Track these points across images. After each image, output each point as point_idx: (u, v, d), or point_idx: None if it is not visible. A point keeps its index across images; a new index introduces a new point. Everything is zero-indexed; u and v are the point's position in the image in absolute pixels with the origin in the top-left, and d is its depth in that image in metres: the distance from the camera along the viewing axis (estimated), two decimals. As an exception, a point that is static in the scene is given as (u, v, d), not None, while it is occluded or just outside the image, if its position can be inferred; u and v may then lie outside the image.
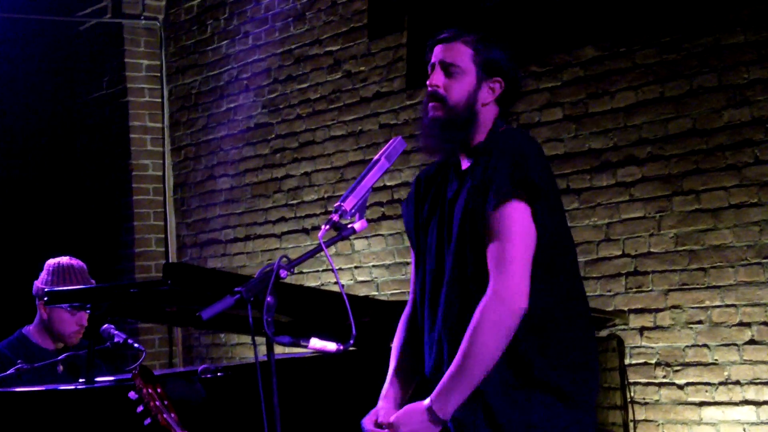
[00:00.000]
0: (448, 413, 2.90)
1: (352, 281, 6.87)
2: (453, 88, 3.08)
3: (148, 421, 3.08)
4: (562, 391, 2.95)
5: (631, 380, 5.39)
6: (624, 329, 5.42)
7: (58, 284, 4.82)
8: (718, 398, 5.15)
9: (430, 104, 3.10)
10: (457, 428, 2.99)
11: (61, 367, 4.74)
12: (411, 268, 3.33)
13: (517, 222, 2.91)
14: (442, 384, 2.91)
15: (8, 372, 4.37)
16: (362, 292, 6.77)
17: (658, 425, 5.36)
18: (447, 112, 3.07)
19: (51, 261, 4.95)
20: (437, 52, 3.13)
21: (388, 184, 6.62)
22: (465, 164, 3.12)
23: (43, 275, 4.91)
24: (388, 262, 6.70)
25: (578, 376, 2.99)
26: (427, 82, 3.12)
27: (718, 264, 5.15)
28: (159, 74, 8.33)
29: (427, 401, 2.93)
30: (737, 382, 5.09)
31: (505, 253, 2.89)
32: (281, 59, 7.43)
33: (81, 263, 4.98)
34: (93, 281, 5.01)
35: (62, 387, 4.12)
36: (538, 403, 2.93)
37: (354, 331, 2.79)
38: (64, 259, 4.94)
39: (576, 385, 2.98)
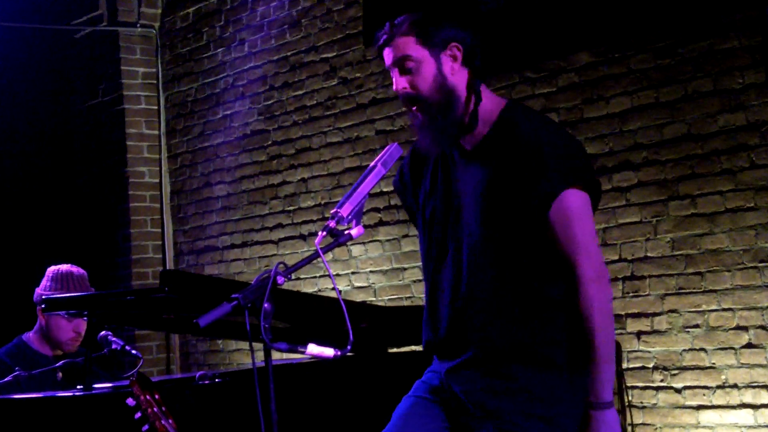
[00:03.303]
0: (610, 395, 2.99)
1: (349, 287, 6.88)
2: (418, 82, 3.03)
3: (145, 427, 3.08)
4: (575, 364, 3.02)
5: (628, 384, 5.40)
6: (621, 333, 5.43)
7: (58, 291, 4.84)
8: (715, 402, 5.16)
9: (412, 109, 3.06)
10: (488, 415, 3.01)
11: (60, 375, 4.75)
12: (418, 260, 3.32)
13: (582, 206, 2.99)
14: (592, 381, 2.96)
15: (6, 379, 4.37)
16: (359, 297, 6.78)
17: (656, 429, 5.37)
18: (427, 107, 3.03)
19: (52, 268, 4.98)
20: (386, 57, 3.08)
21: (384, 190, 6.63)
22: (468, 144, 3.08)
23: (43, 282, 4.93)
24: (385, 267, 6.71)
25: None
26: (393, 89, 3.09)
27: (715, 268, 5.16)
28: (155, 82, 8.34)
29: (591, 409, 2.98)
30: (734, 386, 5.09)
31: (579, 236, 2.97)
32: (277, 66, 7.44)
33: (81, 271, 5.01)
34: (93, 289, 5.02)
35: (60, 394, 4.12)
36: (558, 383, 3.00)
37: (351, 337, 2.80)
38: (65, 267, 4.97)
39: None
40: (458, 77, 3.05)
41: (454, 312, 3.06)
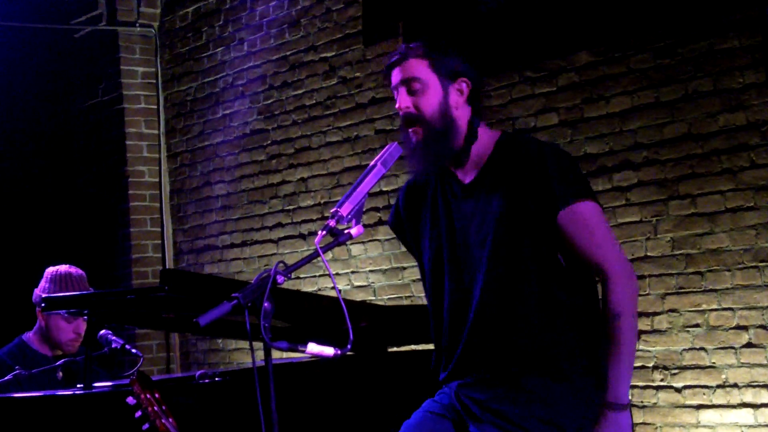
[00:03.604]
0: (628, 397, 3.04)
1: (348, 286, 6.88)
2: (422, 104, 3.08)
3: (146, 426, 3.08)
4: (587, 374, 3.06)
5: (628, 384, 5.39)
6: (621, 333, 5.42)
7: (57, 292, 4.84)
8: (715, 401, 5.16)
9: (409, 129, 3.10)
10: (502, 420, 3.03)
11: (60, 374, 4.74)
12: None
13: (598, 212, 3.06)
14: (612, 380, 3.00)
15: (6, 378, 4.37)
16: (359, 297, 6.77)
17: (656, 428, 5.37)
18: (426, 129, 3.08)
19: (50, 269, 4.97)
20: (394, 76, 3.13)
21: (384, 189, 6.63)
22: (466, 177, 3.13)
23: (42, 283, 4.92)
24: (384, 266, 6.71)
25: (595, 357, 3.09)
26: (396, 107, 3.12)
27: (715, 268, 5.16)
28: (154, 81, 8.33)
29: (608, 409, 3.01)
30: (735, 385, 5.09)
31: (602, 237, 3.03)
32: (276, 66, 7.44)
33: (80, 271, 5.00)
34: (91, 289, 5.01)
35: (60, 392, 4.12)
36: (569, 391, 3.03)
37: (351, 336, 2.80)
38: (63, 268, 4.96)
39: (595, 367, 3.08)
40: (461, 112, 3.12)
41: (471, 336, 3.08)
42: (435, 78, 3.08)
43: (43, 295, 4.72)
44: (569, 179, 3.02)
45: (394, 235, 6.57)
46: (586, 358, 3.05)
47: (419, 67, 3.09)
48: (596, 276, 3.04)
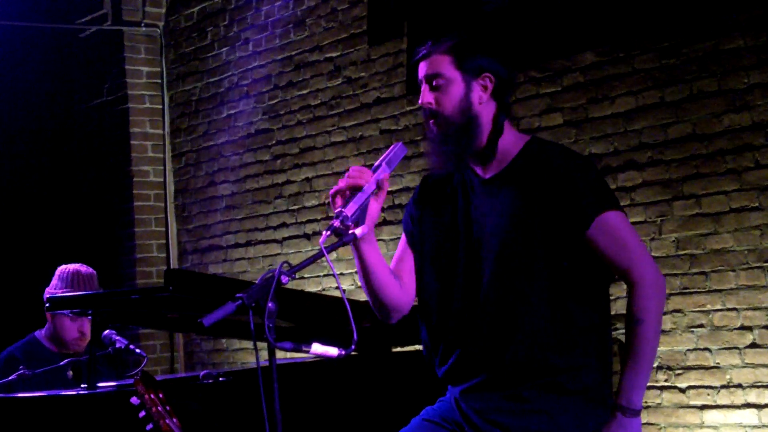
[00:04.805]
0: (641, 403, 3.00)
1: (353, 286, 6.88)
2: (443, 101, 3.08)
3: (150, 426, 3.08)
4: (592, 393, 3.04)
5: (632, 384, 5.39)
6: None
7: (66, 290, 4.86)
8: (719, 402, 5.15)
9: (429, 122, 3.11)
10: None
11: (70, 374, 4.75)
12: (397, 253, 3.36)
13: (626, 221, 3.07)
14: (628, 384, 2.98)
15: (10, 377, 4.38)
16: (363, 297, 6.74)
17: (660, 429, 5.37)
18: (445, 125, 3.08)
19: (61, 268, 4.99)
20: (420, 70, 3.14)
21: (388, 189, 6.62)
22: (487, 173, 3.12)
23: (53, 282, 4.95)
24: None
25: (603, 376, 3.08)
26: (419, 102, 3.14)
27: (719, 268, 5.16)
28: (159, 81, 8.34)
29: (620, 413, 2.99)
30: (739, 386, 5.09)
31: (633, 244, 3.03)
32: (281, 65, 7.44)
33: (90, 270, 5.01)
34: (101, 288, 5.03)
35: (64, 392, 4.12)
36: (570, 407, 3.01)
37: (355, 336, 2.80)
38: (73, 266, 4.98)
39: (603, 385, 3.07)
40: (485, 108, 3.10)
41: (471, 335, 3.07)
42: (458, 74, 3.08)
43: (47, 295, 4.74)
44: (597, 190, 3.02)
45: (399, 235, 6.59)
46: (592, 374, 3.03)
47: (442, 64, 3.09)
48: (625, 283, 3.02)
